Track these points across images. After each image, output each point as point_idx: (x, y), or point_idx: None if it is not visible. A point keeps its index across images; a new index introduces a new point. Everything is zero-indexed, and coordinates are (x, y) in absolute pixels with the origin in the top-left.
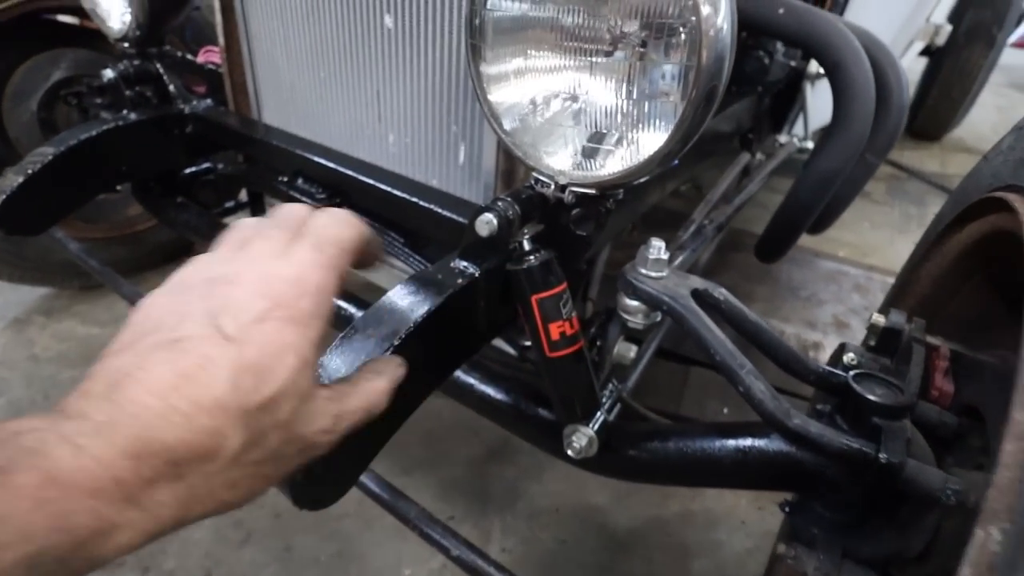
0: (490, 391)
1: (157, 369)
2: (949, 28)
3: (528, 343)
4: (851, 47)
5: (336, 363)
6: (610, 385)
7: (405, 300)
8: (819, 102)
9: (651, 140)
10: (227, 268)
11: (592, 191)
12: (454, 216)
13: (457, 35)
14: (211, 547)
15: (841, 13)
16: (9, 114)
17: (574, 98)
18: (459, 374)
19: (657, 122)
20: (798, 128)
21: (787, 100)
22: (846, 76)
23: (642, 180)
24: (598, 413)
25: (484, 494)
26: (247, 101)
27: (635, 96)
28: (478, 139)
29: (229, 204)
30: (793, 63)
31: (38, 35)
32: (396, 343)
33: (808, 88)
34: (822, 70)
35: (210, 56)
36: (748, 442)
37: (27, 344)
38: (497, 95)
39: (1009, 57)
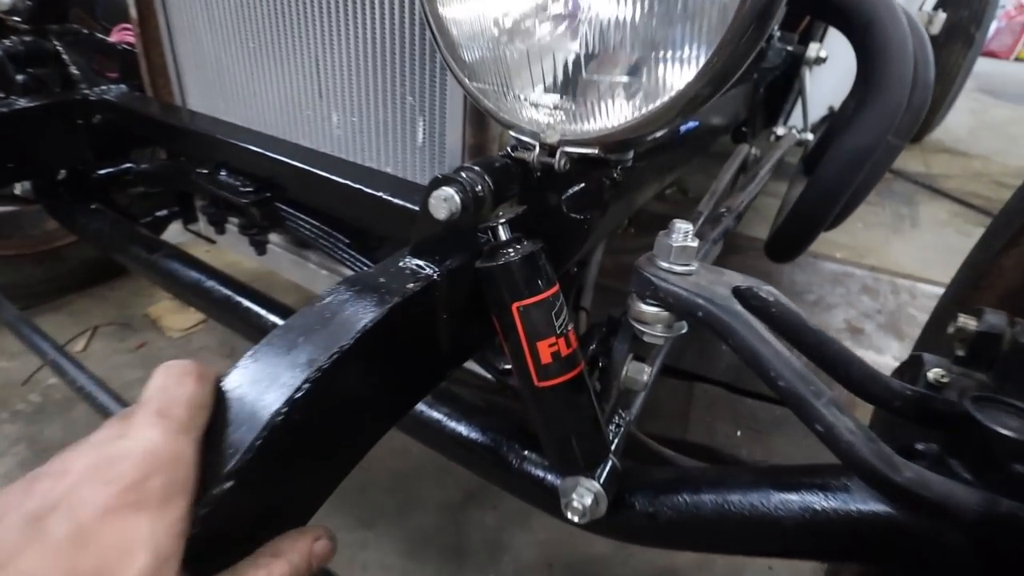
0: (462, 429)
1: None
2: (943, 17)
3: (508, 366)
4: (885, 3)
5: (240, 386)
6: (616, 418)
7: (337, 311)
8: (818, 90)
9: (678, 73)
10: (53, 463)
11: (593, 151)
12: (412, 207)
13: None
14: None
15: None
16: None
17: (564, 16)
18: (421, 408)
19: (689, 46)
20: (794, 120)
21: (783, 88)
22: (880, 36)
23: (660, 138)
24: (606, 463)
25: (461, 548)
26: (167, 85)
27: (658, 6)
28: (439, 112)
29: (161, 213)
30: (790, 47)
31: None
32: (322, 367)
33: (807, 75)
34: (822, 54)
35: (125, 35)
36: (819, 497)
37: None
38: (450, 10)
39: (976, 64)
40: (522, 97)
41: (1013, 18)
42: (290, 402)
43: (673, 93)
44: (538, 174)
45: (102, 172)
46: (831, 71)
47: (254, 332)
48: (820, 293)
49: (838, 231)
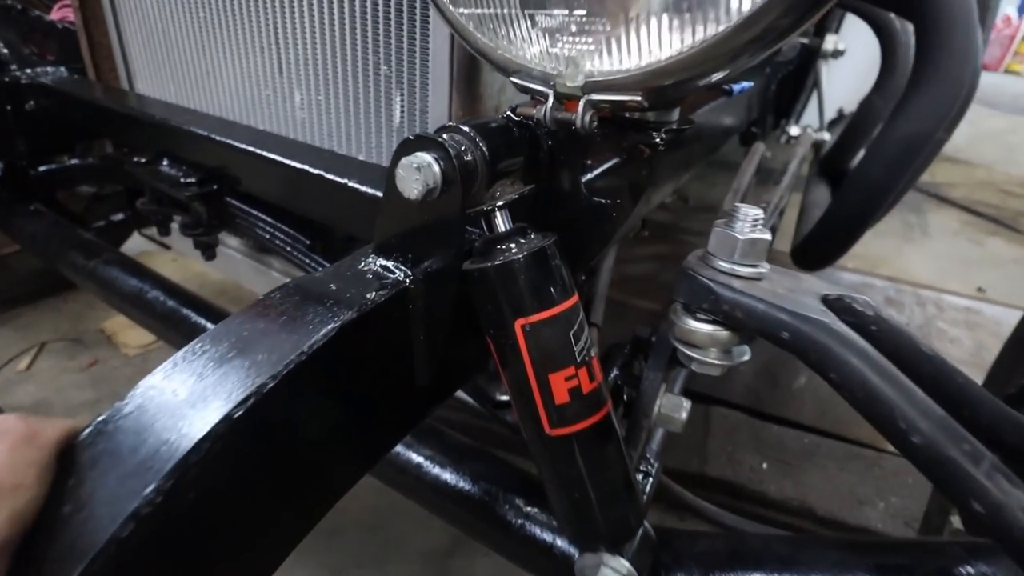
0: (447, 477)
1: None
2: None
3: (506, 397)
4: None
5: (105, 449)
6: (644, 466)
7: (268, 330)
8: (835, 86)
9: None
10: None
11: (636, 97)
12: (380, 194)
13: None
14: None
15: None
16: None
17: None
18: (398, 450)
19: None
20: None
21: (796, 85)
22: (939, 3)
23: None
24: (637, 532)
25: None
26: (112, 67)
27: None
28: (419, 82)
29: (118, 217)
30: (805, 40)
31: None
32: (248, 400)
33: (823, 69)
34: (840, 47)
35: (66, 13)
36: None
37: None
38: None
39: None
40: (533, 19)
41: (1001, 31)
42: (177, 468)
43: (746, 14)
44: (550, 141)
45: (42, 169)
46: (840, 70)
47: None
48: None
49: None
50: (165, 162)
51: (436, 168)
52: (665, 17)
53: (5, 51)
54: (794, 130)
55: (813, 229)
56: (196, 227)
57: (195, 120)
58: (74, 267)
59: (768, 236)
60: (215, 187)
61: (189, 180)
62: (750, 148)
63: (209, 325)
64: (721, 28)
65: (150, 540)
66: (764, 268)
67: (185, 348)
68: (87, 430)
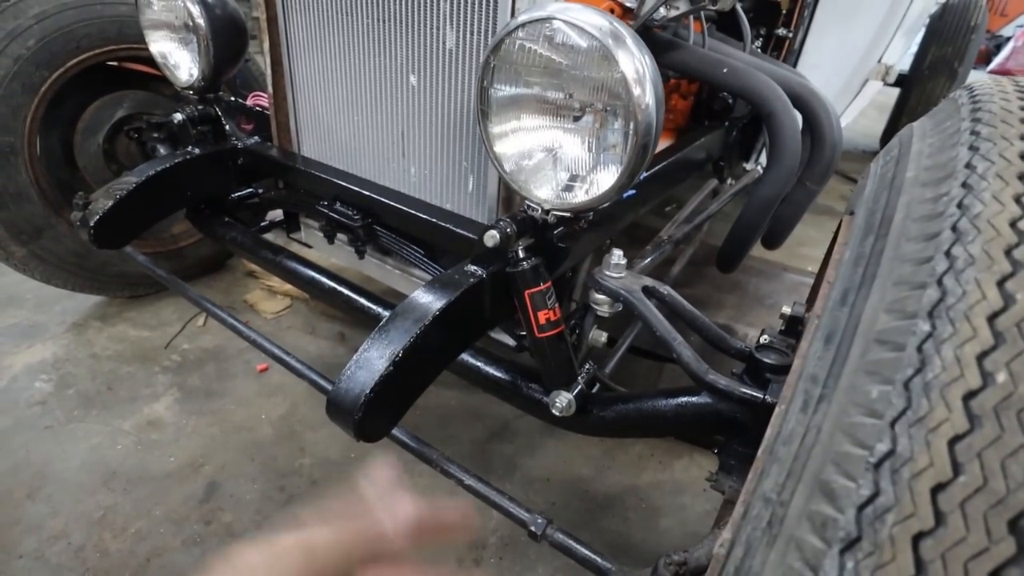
0: (493, 371)
1: None
2: (899, 68)
3: (523, 332)
4: (780, 99)
5: (376, 349)
6: (587, 365)
7: (431, 294)
8: None
9: (606, 178)
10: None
11: (568, 214)
12: (464, 232)
13: (466, 94)
14: (260, 505)
15: (795, 62)
16: (80, 146)
17: (554, 150)
18: (468, 359)
19: (610, 166)
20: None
21: (754, 132)
22: (777, 122)
23: (605, 206)
24: (576, 383)
25: (486, 467)
26: (289, 138)
27: (594, 149)
28: (483, 173)
29: (264, 223)
30: None
31: (104, 79)
32: (426, 324)
33: None
34: None
35: (258, 100)
36: (684, 399)
37: (87, 344)
38: (500, 147)
39: None
40: (532, 186)
41: None
42: (409, 341)
43: (606, 187)
44: (540, 223)
45: (235, 196)
46: None
47: (353, 312)
48: (777, 299)
49: (816, 247)
50: (338, 204)
51: (498, 236)
52: (577, 192)
53: (228, 128)
54: (748, 165)
55: (721, 246)
56: (356, 241)
57: (352, 180)
58: (264, 259)
59: (623, 262)
60: (368, 220)
61: (356, 216)
62: (707, 181)
63: (355, 297)
64: (597, 194)
65: (405, 355)
66: (623, 274)
67: (404, 301)
68: (382, 326)
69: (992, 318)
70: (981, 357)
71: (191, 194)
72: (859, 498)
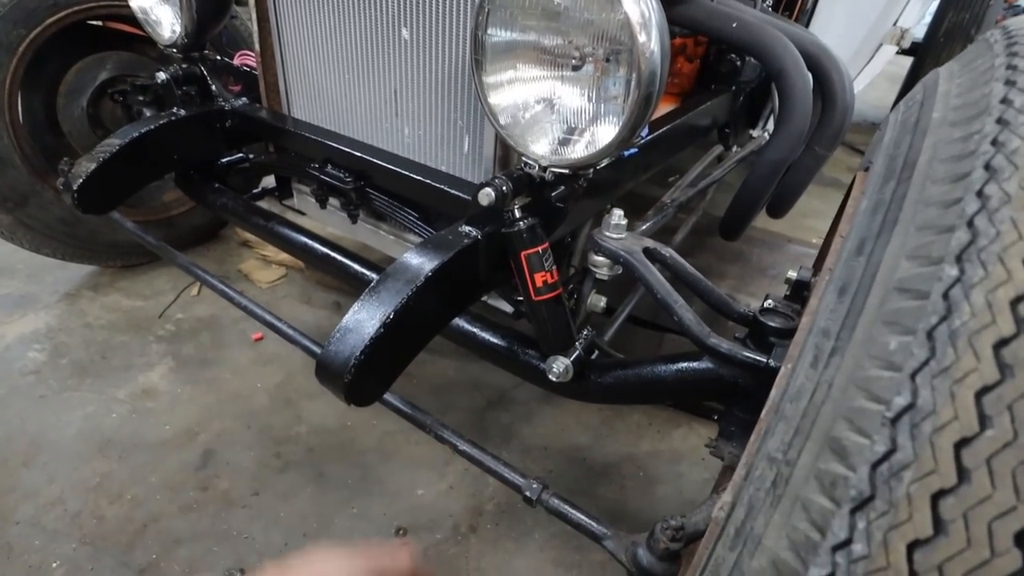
0: (490, 337)
1: None
2: (915, 34)
3: (520, 297)
4: (792, 56)
5: (366, 311)
6: (585, 331)
7: (423, 255)
8: None
9: (606, 132)
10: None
11: (566, 171)
12: (459, 194)
13: (462, 47)
14: (256, 472)
15: (808, 21)
16: (63, 110)
17: (551, 101)
18: (465, 324)
19: (611, 118)
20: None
21: (762, 98)
22: (787, 81)
23: (605, 164)
24: (574, 348)
25: (484, 435)
26: (278, 98)
27: (594, 100)
28: (479, 131)
29: (257, 190)
30: None
31: (86, 40)
32: (417, 286)
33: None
34: None
35: (245, 59)
36: (684, 364)
37: (80, 314)
38: (495, 98)
39: None
40: (529, 141)
41: None
42: (400, 303)
43: (607, 141)
44: (538, 181)
45: (224, 161)
46: None
47: (346, 278)
48: (780, 269)
49: (820, 219)
50: (329, 167)
51: (493, 194)
52: (575, 147)
53: (214, 89)
54: (755, 132)
55: (724, 214)
56: (349, 205)
57: (345, 141)
58: (256, 226)
59: (624, 223)
60: (362, 183)
61: (348, 179)
62: (717, 145)
63: (348, 263)
64: (596, 149)
65: (396, 317)
66: (623, 235)
67: (396, 262)
68: (370, 291)
69: None
70: (1016, 302)
71: (178, 157)
72: (873, 455)
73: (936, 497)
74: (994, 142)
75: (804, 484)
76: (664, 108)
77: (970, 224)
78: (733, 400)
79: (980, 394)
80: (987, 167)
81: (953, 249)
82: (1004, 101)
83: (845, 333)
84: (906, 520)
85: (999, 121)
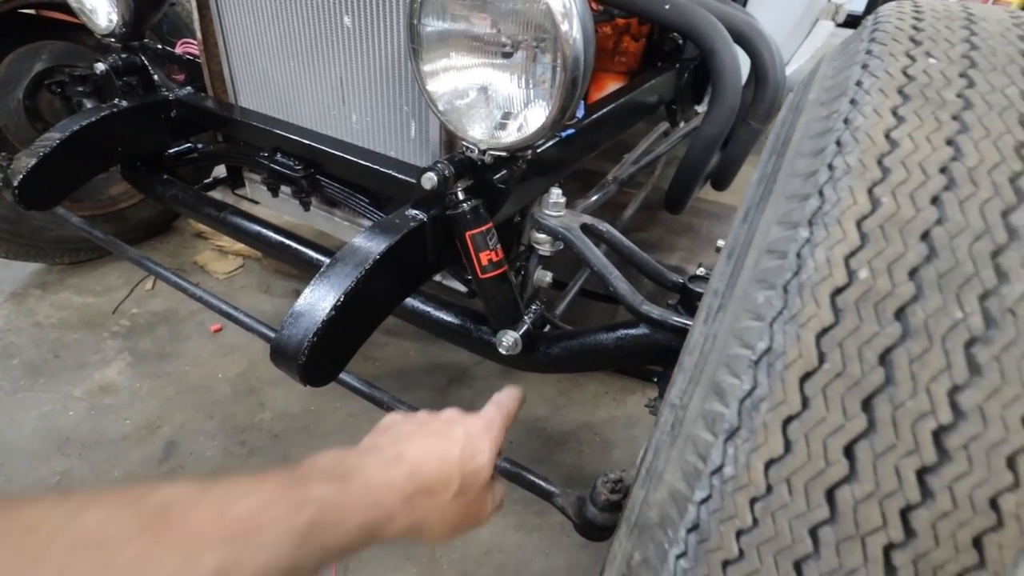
0: (444, 316)
1: (423, 441)
2: (848, 7)
3: (471, 277)
4: (721, 35)
5: (317, 294)
6: (534, 305)
7: (371, 239)
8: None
9: (537, 116)
10: (417, 416)
11: (503, 153)
12: (407, 179)
13: (403, 35)
14: (221, 460)
15: (744, 1)
16: None
17: (485, 88)
18: (419, 304)
19: (540, 103)
20: None
21: (705, 74)
22: (717, 59)
23: (546, 147)
24: (522, 322)
25: None
26: (224, 87)
27: (525, 85)
28: (425, 118)
29: (208, 180)
30: None
31: (18, 29)
32: (367, 268)
33: None
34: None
35: (188, 48)
36: (623, 332)
37: (29, 314)
38: (433, 86)
39: None
40: (467, 126)
41: None
42: (350, 285)
43: (538, 124)
44: (479, 164)
45: (171, 151)
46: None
47: (302, 265)
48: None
49: None
50: (279, 155)
51: (435, 178)
52: (509, 130)
53: (157, 79)
54: (700, 108)
55: (668, 187)
56: (299, 193)
57: (293, 129)
58: (208, 216)
59: (562, 200)
60: (312, 171)
61: (298, 167)
62: (662, 122)
63: (303, 249)
64: (528, 133)
65: (347, 300)
66: (562, 212)
67: (346, 245)
68: (319, 276)
69: (860, 221)
70: (848, 257)
71: (123, 150)
72: (742, 392)
73: (786, 422)
74: (846, 120)
75: (694, 423)
76: (611, 86)
77: (821, 192)
78: (668, 362)
79: (820, 335)
80: (838, 142)
81: (807, 214)
82: (858, 83)
83: (728, 291)
84: (763, 443)
85: (852, 101)
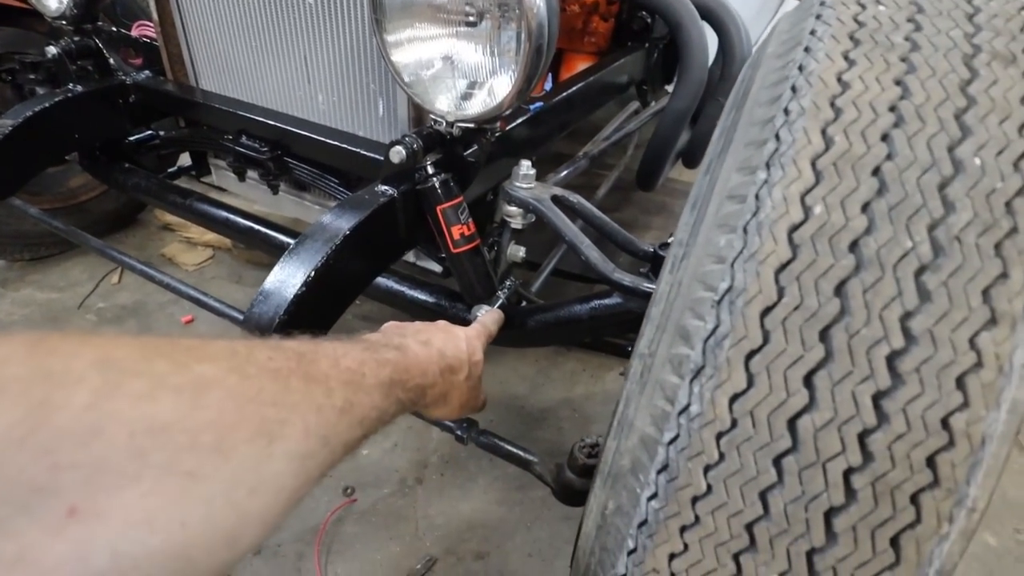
0: (418, 295)
1: (438, 334)
2: None
3: (443, 254)
4: (687, 10)
5: (287, 271)
6: (508, 281)
7: (340, 216)
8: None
9: (503, 85)
10: (413, 324)
11: (471, 125)
12: (378, 156)
13: (367, 10)
14: None
15: None
16: None
17: (451, 58)
18: (394, 284)
19: (506, 71)
20: None
21: (675, 53)
22: (684, 34)
23: (517, 123)
24: (497, 297)
25: None
26: (184, 70)
27: (490, 54)
28: (392, 95)
29: (173, 169)
30: None
31: None
32: (336, 244)
33: None
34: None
35: (144, 30)
36: (596, 302)
37: None
38: (397, 57)
39: None
40: (434, 98)
41: None
42: (320, 262)
43: (504, 94)
44: (448, 137)
45: (132, 139)
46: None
47: (273, 250)
48: None
49: None
50: (244, 137)
51: (403, 152)
52: (474, 100)
53: (113, 63)
54: (670, 87)
55: (640, 162)
56: (267, 176)
57: (258, 111)
58: (174, 204)
59: (532, 172)
60: (279, 152)
61: (264, 149)
62: (633, 101)
63: (274, 234)
64: (494, 103)
65: (317, 276)
66: (532, 185)
67: (315, 222)
68: (289, 253)
69: (814, 160)
70: (804, 195)
71: (80, 137)
72: (705, 332)
73: (748, 357)
74: (800, 67)
75: (662, 368)
76: (581, 66)
77: (777, 136)
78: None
79: (778, 271)
80: (793, 88)
81: (764, 157)
82: (811, 32)
83: (692, 239)
84: (727, 379)
85: (806, 49)
